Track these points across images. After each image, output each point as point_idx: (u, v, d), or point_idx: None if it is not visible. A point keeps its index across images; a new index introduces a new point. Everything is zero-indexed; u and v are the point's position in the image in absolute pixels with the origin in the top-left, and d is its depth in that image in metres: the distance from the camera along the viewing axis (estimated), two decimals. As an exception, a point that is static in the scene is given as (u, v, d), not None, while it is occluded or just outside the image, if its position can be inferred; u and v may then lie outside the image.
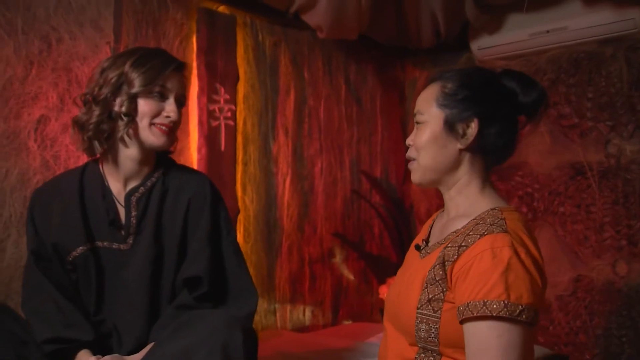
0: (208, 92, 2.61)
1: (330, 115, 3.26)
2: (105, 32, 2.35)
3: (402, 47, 3.45)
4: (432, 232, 1.49)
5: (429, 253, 1.38)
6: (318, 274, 3.13)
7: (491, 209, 1.33)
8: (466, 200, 1.39)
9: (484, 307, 1.18)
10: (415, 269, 1.39)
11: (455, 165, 1.38)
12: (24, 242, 2.09)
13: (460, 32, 3.24)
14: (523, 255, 1.21)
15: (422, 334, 1.29)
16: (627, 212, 2.85)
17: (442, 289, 1.27)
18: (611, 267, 2.89)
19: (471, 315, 1.19)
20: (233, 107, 2.71)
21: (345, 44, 3.25)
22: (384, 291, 3.24)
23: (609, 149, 2.91)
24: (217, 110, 2.65)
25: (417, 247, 1.45)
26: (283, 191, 2.99)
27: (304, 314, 3.05)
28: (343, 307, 3.26)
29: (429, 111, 1.39)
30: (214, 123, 2.64)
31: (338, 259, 3.24)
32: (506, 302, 1.16)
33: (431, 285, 1.29)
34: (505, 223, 1.27)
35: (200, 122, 2.59)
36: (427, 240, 1.46)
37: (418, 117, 1.41)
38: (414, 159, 1.42)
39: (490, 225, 1.27)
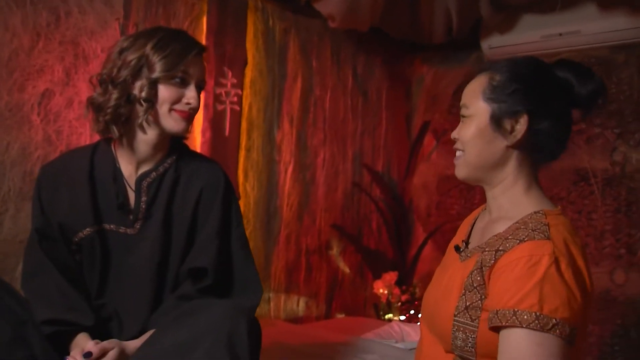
0: (215, 76, 2.57)
1: (336, 106, 3.22)
2: (115, 8, 2.30)
3: (412, 42, 3.42)
4: (473, 232, 1.41)
5: (469, 257, 1.30)
6: (314, 265, 3.11)
7: (534, 212, 1.25)
8: (509, 201, 1.31)
9: (514, 317, 1.11)
10: (454, 272, 1.32)
11: (501, 163, 1.30)
12: (21, 217, 2.06)
13: (471, 31, 3.20)
14: (564, 266, 1.14)
15: (459, 342, 1.23)
16: (629, 221, 2.84)
17: (481, 296, 1.21)
18: (609, 275, 2.88)
19: (499, 324, 1.14)
20: (240, 91, 2.67)
21: (355, 35, 3.21)
22: (378, 286, 3.23)
23: (615, 156, 2.90)
24: (223, 94, 2.61)
25: (457, 249, 1.38)
26: (284, 180, 2.96)
27: (297, 305, 3.03)
28: (337, 300, 3.23)
29: (475, 105, 1.30)
30: (220, 107, 2.60)
31: (335, 251, 3.22)
32: (538, 314, 1.10)
33: (469, 292, 1.23)
34: (549, 229, 1.19)
35: (205, 106, 2.55)
36: (466, 242, 1.39)
37: (463, 111, 1.33)
38: (461, 152, 1.35)
39: (532, 230, 1.19)
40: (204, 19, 2.57)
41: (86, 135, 2.22)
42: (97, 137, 2.19)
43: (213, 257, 1.56)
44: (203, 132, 2.55)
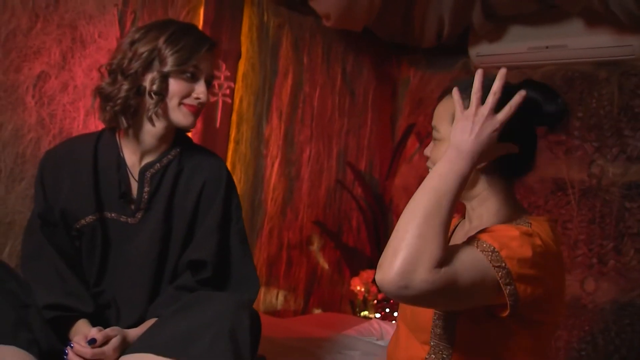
0: (210, 67, 2.58)
1: (324, 103, 3.25)
2: (114, -6, 2.29)
3: (401, 44, 3.46)
4: (452, 239, 1.48)
5: None
6: (295, 260, 3.14)
7: (518, 218, 1.33)
8: (488, 211, 1.36)
9: (475, 241, 1.19)
10: None
11: (473, 183, 1.35)
12: (11, 198, 2.05)
13: (459, 36, 3.26)
14: (538, 242, 1.21)
15: (439, 330, 1.29)
16: (602, 232, 2.93)
17: None
18: (580, 283, 2.97)
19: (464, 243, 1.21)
20: (232, 84, 2.69)
21: (346, 35, 3.24)
22: (356, 283, 3.27)
23: (592, 169, 2.99)
24: (216, 86, 2.62)
25: None
26: (270, 174, 2.98)
27: (276, 298, 3.06)
28: (315, 295, 3.27)
29: (446, 128, 1.33)
30: (212, 99, 2.60)
31: (315, 246, 3.26)
32: (495, 249, 1.16)
33: None
34: (531, 226, 1.26)
35: (198, 97, 2.55)
36: None
37: (435, 133, 1.36)
38: None
39: (516, 222, 1.28)
40: (201, 10, 2.57)
41: (79, 120, 2.21)
42: (90, 123, 2.22)
43: (212, 251, 1.58)
44: (194, 123, 2.55)
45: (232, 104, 2.71)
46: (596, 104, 3.00)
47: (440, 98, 1.41)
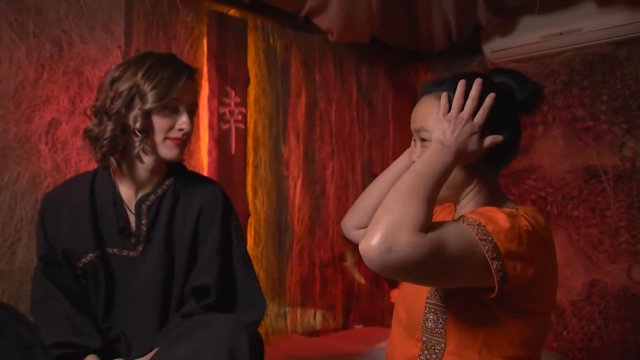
0: (219, 95, 2.61)
1: (342, 118, 3.24)
2: (116, 36, 2.35)
3: (414, 51, 3.44)
4: None
5: None
6: (329, 278, 3.11)
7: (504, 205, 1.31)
8: (477, 206, 1.34)
9: (461, 219, 1.18)
10: None
11: (468, 180, 1.34)
12: (35, 245, 2.10)
13: (472, 35, 3.22)
14: (524, 222, 1.19)
15: (430, 324, 1.29)
16: (643, 216, 2.81)
17: None
18: (626, 272, 2.85)
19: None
20: (244, 110, 2.71)
21: (357, 47, 3.23)
22: (395, 295, 3.23)
23: (624, 152, 2.88)
24: (227, 113, 2.65)
25: None
26: (294, 194, 2.98)
27: (314, 318, 3.03)
28: (354, 311, 3.24)
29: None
30: (225, 126, 2.63)
31: (349, 262, 3.23)
32: (480, 223, 1.14)
33: None
34: (517, 210, 1.25)
35: (210, 126, 2.58)
36: None
37: (424, 134, 1.32)
38: None
39: (500, 207, 1.26)
40: (204, 41, 2.61)
41: (94, 162, 2.26)
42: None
43: (215, 275, 1.58)
44: (209, 152, 2.58)
45: (246, 129, 2.73)
46: (620, 85, 2.90)
47: (418, 98, 1.40)
